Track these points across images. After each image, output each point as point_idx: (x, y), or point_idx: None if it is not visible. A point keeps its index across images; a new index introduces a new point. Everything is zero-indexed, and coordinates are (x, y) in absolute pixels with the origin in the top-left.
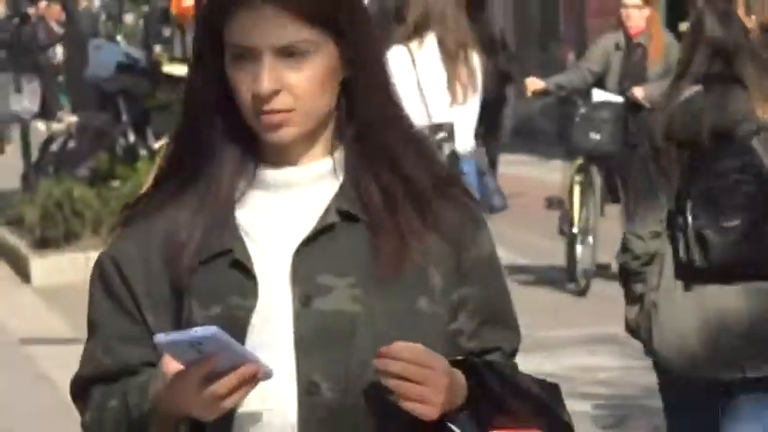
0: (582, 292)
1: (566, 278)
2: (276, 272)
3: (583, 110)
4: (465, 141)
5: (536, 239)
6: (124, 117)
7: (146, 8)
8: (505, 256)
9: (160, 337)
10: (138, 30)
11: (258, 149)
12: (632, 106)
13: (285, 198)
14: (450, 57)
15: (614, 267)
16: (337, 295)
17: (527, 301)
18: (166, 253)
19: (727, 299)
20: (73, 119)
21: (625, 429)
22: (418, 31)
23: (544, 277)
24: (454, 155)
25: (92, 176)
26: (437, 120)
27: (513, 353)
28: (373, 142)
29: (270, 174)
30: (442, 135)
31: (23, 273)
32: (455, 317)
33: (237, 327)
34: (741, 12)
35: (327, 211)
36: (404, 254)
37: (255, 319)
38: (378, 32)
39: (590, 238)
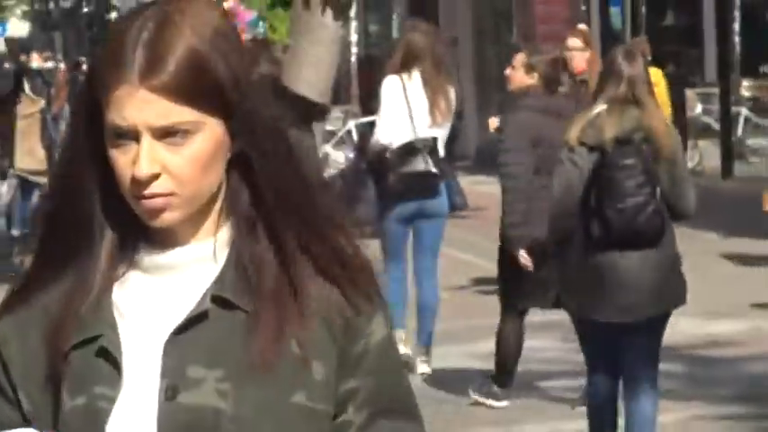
0: None
1: None
2: (146, 361)
3: None
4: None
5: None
6: None
7: None
8: (477, 261)
9: None
10: None
11: (140, 229)
12: None
13: (164, 281)
14: (431, 87)
15: None
16: (205, 389)
17: (496, 304)
18: (44, 336)
19: (618, 262)
20: None
21: None
22: (405, 67)
23: None
24: (437, 161)
25: None
26: (420, 136)
27: None
28: (267, 220)
29: (150, 255)
30: (426, 148)
31: None
32: (344, 409)
33: (98, 419)
34: (521, 71)
35: (203, 297)
36: (281, 345)
37: (117, 412)
38: (274, 104)
39: None
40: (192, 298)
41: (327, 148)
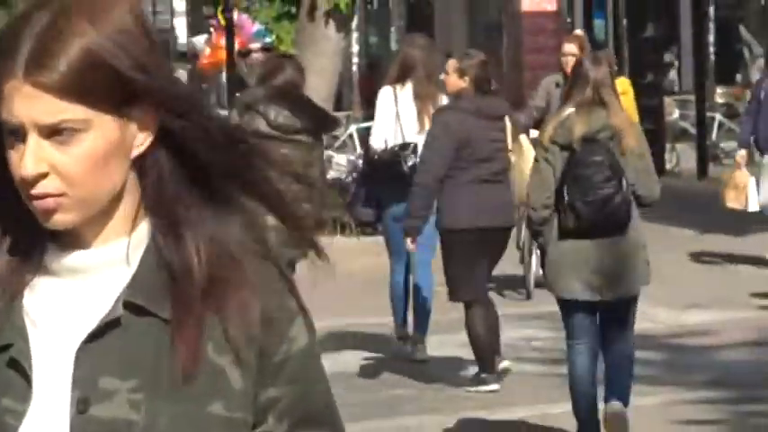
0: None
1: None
2: (57, 372)
3: None
4: None
5: None
6: None
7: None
8: None
9: None
10: None
11: (48, 230)
12: None
13: (75, 285)
14: (420, 98)
15: None
16: (117, 401)
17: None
18: None
19: (590, 248)
20: None
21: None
22: (400, 78)
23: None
24: (414, 165)
25: None
26: (407, 140)
27: None
28: (174, 215)
29: (57, 258)
30: (408, 151)
31: None
32: (264, 419)
33: None
34: (454, 76)
35: (115, 303)
36: (198, 353)
37: (27, 427)
38: (188, 88)
39: (533, 257)
40: (104, 304)
41: (330, 151)
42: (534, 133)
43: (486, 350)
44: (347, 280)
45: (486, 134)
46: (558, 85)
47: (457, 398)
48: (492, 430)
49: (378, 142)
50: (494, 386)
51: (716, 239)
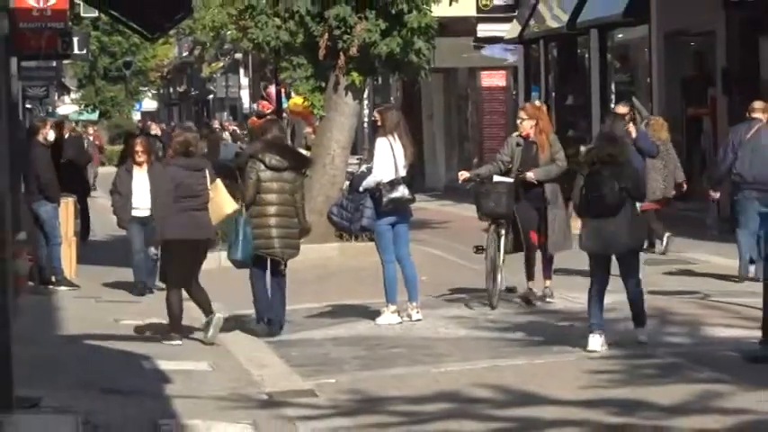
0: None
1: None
2: None
3: (484, 188)
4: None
5: (462, 247)
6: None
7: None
8: (445, 256)
9: None
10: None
11: None
12: (524, 183)
13: None
14: (403, 145)
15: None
16: None
17: (461, 281)
18: None
19: (602, 223)
20: None
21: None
22: (390, 132)
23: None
24: (409, 197)
25: None
26: (399, 175)
27: None
28: None
29: None
30: (403, 186)
31: None
32: None
33: None
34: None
35: None
36: None
37: None
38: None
39: (499, 273)
40: None
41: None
42: (498, 177)
43: (178, 322)
44: (361, 271)
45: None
46: (518, 144)
47: (434, 351)
48: (452, 378)
49: (379, 175)
50: (178, 342)
51: None
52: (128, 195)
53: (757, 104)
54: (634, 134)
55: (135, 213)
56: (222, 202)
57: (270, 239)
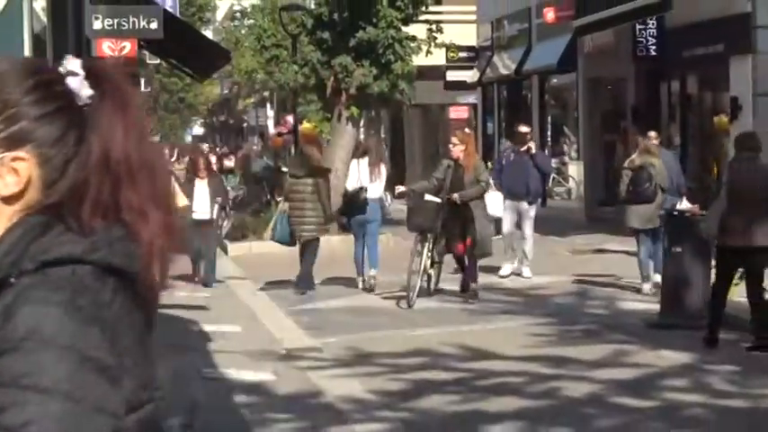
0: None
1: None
2: None
3: (415, 205)
4: (374, 194)
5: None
6: (266, 188)
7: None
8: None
9: None
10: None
11: None
12: (451, 203)
13: None
14: (372, 164)
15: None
16: None
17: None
18: None
19: (640, 209)
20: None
21: None
22: (362, 155)
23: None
24: (366, 199)
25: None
26: (363, 185)
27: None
28: None
29: None
30: (364, 192)
31: None
32: None
33: None
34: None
35: None
36: None
37: None
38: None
39: (415, 278)
40: None
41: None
42: (429, 197)
43: None
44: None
45: None
46: (449, 165)
47: (401, 318)
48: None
49: (350, 185)
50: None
51: (571, 240)
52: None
53: (652, 134)
54: (534, 150)
55: (195, 216)
56: (177, 200)
57: (295, 226)
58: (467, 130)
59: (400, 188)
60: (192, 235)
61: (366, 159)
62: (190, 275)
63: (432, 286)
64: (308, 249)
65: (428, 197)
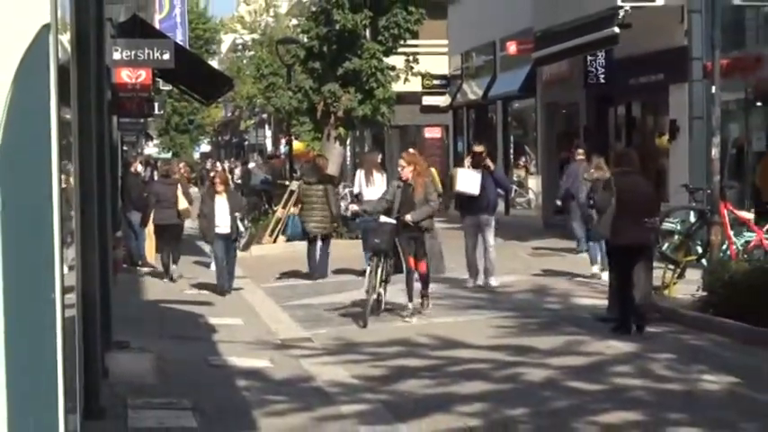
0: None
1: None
2: None
3: (371, 226)
4: (371, 196)
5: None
6: (263, 199)
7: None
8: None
9: None
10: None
11: None
12: (404, 224)
13: None
14: (368, 175)
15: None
16: None
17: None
18: None
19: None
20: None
21: None
22: (362, 167)
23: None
24: (364, 210)
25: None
26: (362, 192)
27: None
28: None
29: None
30: (363, 201)
31: None
32: None
33: None
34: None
35: None
36: None
37: None
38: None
39: (374, 295)
40: None
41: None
42: (384, 218)
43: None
44: (350, 259)
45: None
46: (399, 186)
47: (393, 314)
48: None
49: (356, 189)
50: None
51: (534, 243)
52: (211, 217)
53: (580, 151)
54: (492, 167)
55: (218, 231)
56: (180, 203)
57: (307, 224)
58: (411, 150)
59: (353, 207)
60: (217, 248)
61: (364, 171)
62: (215, 287)
63: (382, 305)
64: (326, 243)
65: (384, 218)
